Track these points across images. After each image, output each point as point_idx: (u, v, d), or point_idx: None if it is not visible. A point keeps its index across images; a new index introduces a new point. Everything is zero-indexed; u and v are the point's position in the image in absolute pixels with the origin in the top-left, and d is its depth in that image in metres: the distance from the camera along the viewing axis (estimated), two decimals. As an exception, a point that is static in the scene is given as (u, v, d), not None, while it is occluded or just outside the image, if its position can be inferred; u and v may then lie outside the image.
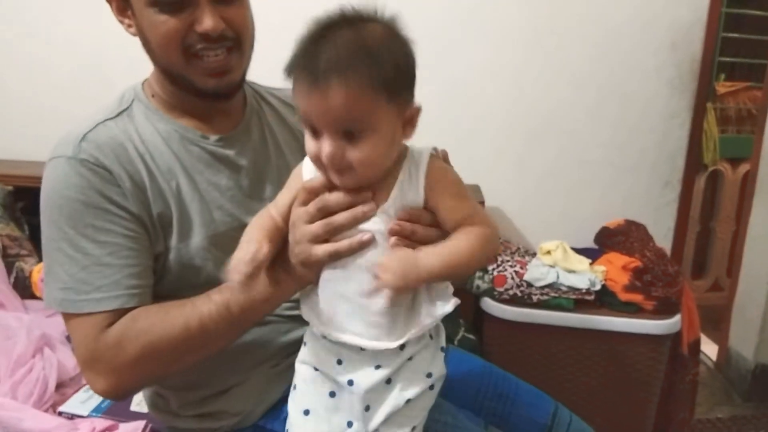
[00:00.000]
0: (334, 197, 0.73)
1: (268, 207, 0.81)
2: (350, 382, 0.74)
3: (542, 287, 1.76)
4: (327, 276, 0.75)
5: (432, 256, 0.70)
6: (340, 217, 0.73)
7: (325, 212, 0.74)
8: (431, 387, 0.77)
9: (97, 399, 1.40)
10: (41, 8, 1.99)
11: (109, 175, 0.85)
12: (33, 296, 1.77)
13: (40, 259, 1.85)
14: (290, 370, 0.93)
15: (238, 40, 0.90)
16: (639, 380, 1.78)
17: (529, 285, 1.77)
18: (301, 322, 0.95)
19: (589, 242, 2.06)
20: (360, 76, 0.65)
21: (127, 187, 0.86)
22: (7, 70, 2.03)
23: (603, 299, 1.78)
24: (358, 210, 0.72)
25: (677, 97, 2.14)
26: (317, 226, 0.74)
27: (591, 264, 1.84)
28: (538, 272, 1.79)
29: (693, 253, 2.81)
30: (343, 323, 0.74)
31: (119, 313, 0.83)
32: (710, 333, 2.43)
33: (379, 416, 0.75)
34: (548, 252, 1.86)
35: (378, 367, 0.74)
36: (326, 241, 0.74)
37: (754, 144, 2.30)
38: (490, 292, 1.80)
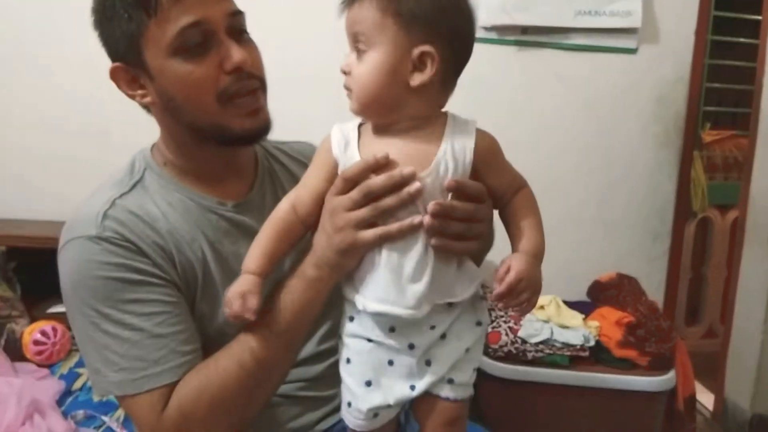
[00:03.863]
0: (379, 181, 0.72)
1: (289, 196, 0.81)
2: (411, 346, 0.76)
3: (537, 344, 1.76)
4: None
5: (532, 246, 0.76)
6: (389, 201, 0.72)
7: (371, 198, 0.73)
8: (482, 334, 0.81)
9: (86, 470, 1.38)
10: (40, 66, 2.01)
11: (137, 249, 0.83)
12: (24, 359, 1.75)
13: (32, 320, 1.83)
14: None
15: (261, 80, 0.90)
16: (636, 438, 1.77)
17: (524, 341, 1.77)
18: (311, 405, 0.95)
19: (581, 295, 2.07)
20: None
21: (155, 257, 0.84)
22: (3, 128, 2.04)
23: (598, 355, 1.77)
24: (405, 192, 0.72)
25: (664, 151, 2.19)
26: (365, 212, 0.73)
27: (584, 319, 1.84)
28: (532, 328, 1.79)
29: (686, 300, 2.82)
30: (382, 295, 0.74)
31: (176, 385, 0.81)
32: (706, 382, 2.42)
33: (444, 367, 0.77)
34: (542, 307, 1.86)
35: (432, 327, 0.77)
36: (371, 224, 0.73)
37: (741, 191, 2.33)
38: (484, 349, 1.79)
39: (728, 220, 2.82)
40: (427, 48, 0.73)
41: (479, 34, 2.06)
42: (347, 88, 0.76)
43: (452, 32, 0.75)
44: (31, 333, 1.75)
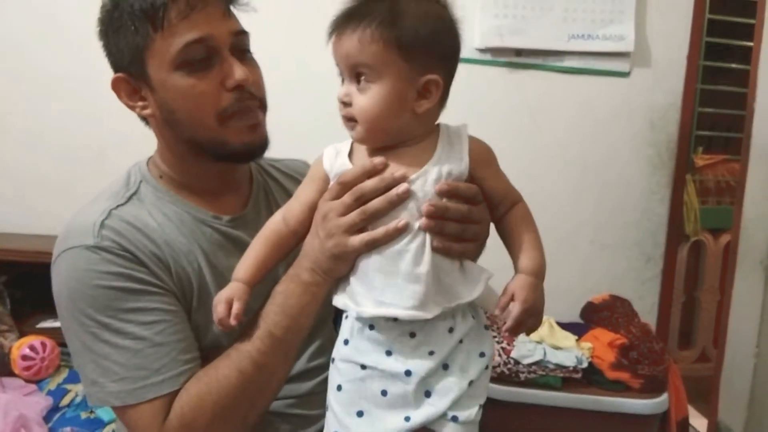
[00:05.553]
0: (371, 184, 0.74)
1: (280, 211, 0.83)
2: (408, 372, 0.73)
3: (529, 365, 1.75)
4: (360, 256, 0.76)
5: (534, 265, 0.76)
6: (376, 203, 0.74)
7: (362, 201, 0.75)
8: (486, 366, 0.78)
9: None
10: (33, 78, 2.02)
11: (135, 258, 0.83)
12: (12, 374, 1.73)
13: (21, 335, 1.81)
14: None
15: (261, 101, 0.91)
16: (628, 461, 1.76)
17: (517, 362, 1.76)
18: (300, 423, 0.94)
19: (574, 317, 2.06)
20: (374, 23, 0.71)
21: (153, 267, 0.84)
22: (-4, 141, 2.04)
23: (590, 377, 1.77)
24: (392, 193, 0.73)
25: (657, 175, 2.21)
26: (354, 216, 0.75)
27: (577, 340, 1.84)
28: (525, 349, 1.78)
29: (679, 323, 2.81)
30: (379, 297, 0.73)
31: (176, 394, 0.81)
32: (699, 406, 2.41)
33: (444, 400, 0.74)
34: (535, 328, 1.86)
35: (431, 353, 0.74)
36: (361, 230, 0.75)
37: (733, 215, 2.34)
38: (477, 370, 1.78)
39: (721, 244, 2.83)
40: (432, 77, 0.74)
41: (473, 55, 2.11)
42: (349, 118, 0.76)
43: (448, 55, 0.77)
44: (20, 348, 1.74)
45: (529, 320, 0.75)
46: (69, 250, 0.83)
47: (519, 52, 2.14)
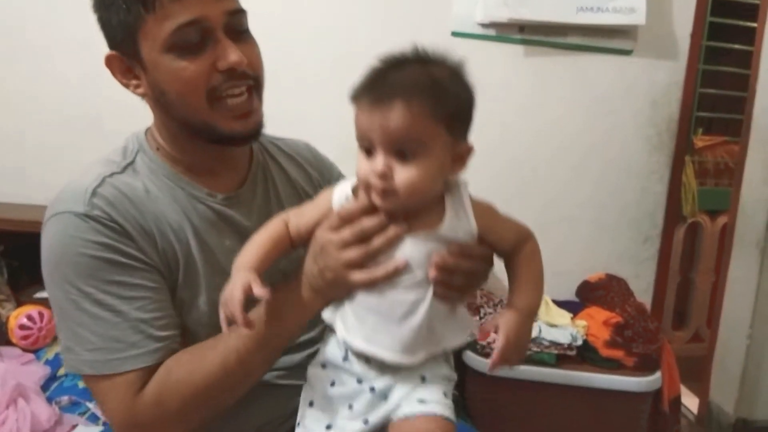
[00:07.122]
0: (372, 222, 0.74)
1: (287, 214, 0.82)
2: (372, 389, 0.77)
3: (524, 341, 1.77)
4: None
5: (528, 304, 0.77)
6: (377, 242, 0.74)
7: (361, 239, 0.74)
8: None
9: (69, 456, 1.37)
10: (28, 43, 1.99)
11: (123, 231, 0.83)
12: (9, 343, 1.74)
13: (18, 304, 1.82)
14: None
15: (257, 80, 0.89)
16: (620, 437, 1.78)
17: (512, 339, 1.77)
18: (289, 393, 0.94)
19: (570, 295, 2.07)
20: (423, 100, 0.70)
21: (140, 241, 0.84)
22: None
23: (584, 355, 1.78)
24: (391, 232, 0.73)
25: (656, 155, 2.20)
26: (355, 253, 0.74)
27: (572, 318, 1.85)
28: (520, 326, 1.79)
29: (673, 303, 2.83)
30: (369, 335, 0.75)
31: (153, 369, 0.81)
32: (691, 385, 2.44)
33: (399, 394, 0.76)
34: (530, 305, 1.87)
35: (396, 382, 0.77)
36: (360, 266, 0.75)
37: (731, 197, 2.34)
38: (472, 346, 1.80)
39: (717, 226, 2.84)
40: (468, 145, 0.76)
41: (475, 30, 2.09)
42: (388, 192, 0.72)
43: (472, 122, 0.77)
44: (17, 317, 1.74)
45: (513, 356, 0.75)
46: (58, 215, 0.83)
47: (522, 29, 2.11)
